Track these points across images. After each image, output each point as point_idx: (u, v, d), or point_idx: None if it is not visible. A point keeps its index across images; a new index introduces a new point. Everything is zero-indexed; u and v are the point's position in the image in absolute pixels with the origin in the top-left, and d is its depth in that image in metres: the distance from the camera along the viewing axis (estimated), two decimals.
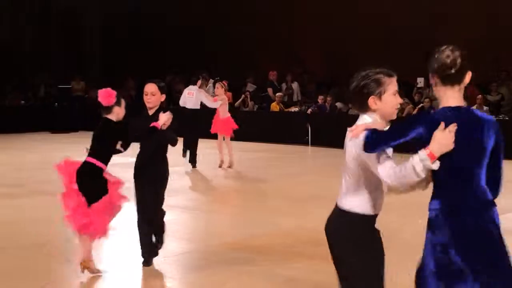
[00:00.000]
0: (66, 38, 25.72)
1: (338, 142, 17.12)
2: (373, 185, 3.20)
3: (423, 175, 2.90)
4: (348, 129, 3.18)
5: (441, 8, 18.18)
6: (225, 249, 6.46)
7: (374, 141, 2.97)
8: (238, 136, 16.35)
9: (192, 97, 12.70)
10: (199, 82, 12.90)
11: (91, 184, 5.36)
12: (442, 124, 2.90)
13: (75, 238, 6.88)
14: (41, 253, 6.32)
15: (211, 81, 17.67)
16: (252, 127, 17.48)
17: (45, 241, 6.79)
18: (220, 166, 12.47)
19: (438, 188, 3.01)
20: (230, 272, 5.67)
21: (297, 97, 18.47)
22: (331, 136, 16.30)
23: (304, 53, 21.18)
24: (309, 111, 17.11)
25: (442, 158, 2.89)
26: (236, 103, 18.85)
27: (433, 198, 3.02)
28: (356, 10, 19.95)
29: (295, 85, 18.49)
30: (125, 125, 5.51)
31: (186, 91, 12.96)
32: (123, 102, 5.56)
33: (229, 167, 12.41)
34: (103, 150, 5.43)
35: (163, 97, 5.69)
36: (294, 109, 17.83)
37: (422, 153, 2.88)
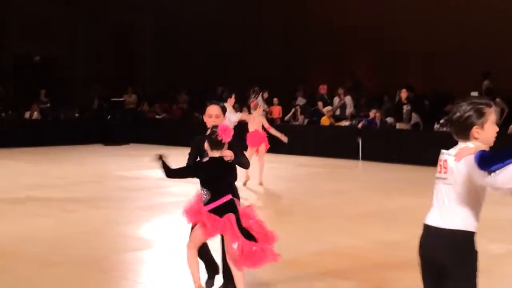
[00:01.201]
0: (119, 50, 26.20)
1: (388, 156, 16.89)
2: (478, 203, 3.37)
3: None
4: (453, 154, 3.35)
5: (494, 23, 17.93)
6: (282, 268, 6.42)
7: (491, 159, 3.09)
8: (288, 150, 16.34)
9: None
10: (231, 99, 11.80)
11: None
12: None
13: (128, 253, 6.99)
14: (95, 269, 6.40)
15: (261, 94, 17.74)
16: (302, 141, 17.45)
17: (99, 256, 6.88)
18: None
19: None
20: None
21: (349, 111, 18.32)
22: (381, 150, 16.18)
23: (355, 67, 21.08)
24: (359, 125, 16.98)
25: None
26: (286, 117, 18.84)
27: None
28: (407, 24, 19.81)
29: (347, 99, 18.34)
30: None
31: None
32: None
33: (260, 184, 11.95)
34: None
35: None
36: (344, 123, 17.71)
37: None
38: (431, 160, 15.42)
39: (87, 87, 23.93)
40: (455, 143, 3.43)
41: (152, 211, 9.51)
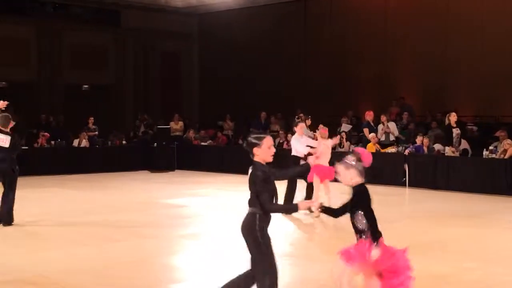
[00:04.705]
0: (166, 78, 26.56)
1: (435, 184, 16.49)
2: None
3: None
4: None
5: None
6: None
7: None
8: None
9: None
10: (297, 127, 12.21)
11: None
12: None
13: (171, 285, 6.94)
14: None
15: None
16: None
17: (145, 286, 6.87)
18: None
19: None
20: None
21: (394, 137, 18.06)
22: (429, 177, 15.85)
23: (402, 93, 20.88)
24: (406, 152, 16.71)
25: None
26: (331, 144, 18.65)
27: None
28: (453, 50, 19.60)
29: (391, 125, 18.10)
30: None
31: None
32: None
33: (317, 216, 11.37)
34: None
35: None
36: (391, 149, 17.46)
37: None
38: (479, 188, 15.06)
39: (135, 115, 24.26)
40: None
41: (196, 240, 9.48)
